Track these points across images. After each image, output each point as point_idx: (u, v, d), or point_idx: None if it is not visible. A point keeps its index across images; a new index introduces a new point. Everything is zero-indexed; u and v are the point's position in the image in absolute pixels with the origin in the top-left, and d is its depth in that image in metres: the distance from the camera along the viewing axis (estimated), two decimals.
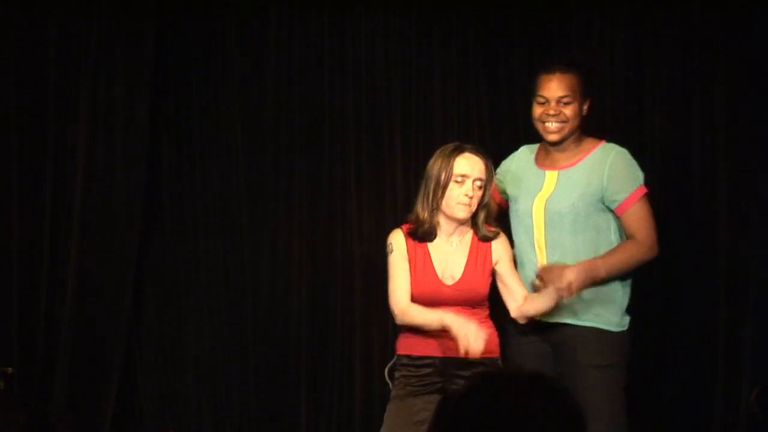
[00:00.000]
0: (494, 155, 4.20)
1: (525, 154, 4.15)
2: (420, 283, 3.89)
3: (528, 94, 4.07)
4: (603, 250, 3.91)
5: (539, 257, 3.95)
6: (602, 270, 3.85)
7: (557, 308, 3.85)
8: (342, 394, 5.21)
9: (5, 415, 4.72)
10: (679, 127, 4.84)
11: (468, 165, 3.87)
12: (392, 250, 3.92)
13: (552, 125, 3.94)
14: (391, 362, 4.00)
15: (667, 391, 4.77)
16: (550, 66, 3.97)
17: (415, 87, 5.19)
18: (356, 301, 5.20)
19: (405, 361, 3.94)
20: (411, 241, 3.92)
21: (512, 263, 3.97)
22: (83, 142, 5.08)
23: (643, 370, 4.70)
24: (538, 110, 3.97)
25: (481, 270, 3.91)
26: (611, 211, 3.95)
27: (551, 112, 3.93)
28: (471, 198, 3.85)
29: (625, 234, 3.95)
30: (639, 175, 3.96)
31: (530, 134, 4.17)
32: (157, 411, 5.30)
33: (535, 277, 3.88)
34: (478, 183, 3.86)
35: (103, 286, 5.12)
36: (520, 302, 3.90)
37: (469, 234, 3.94)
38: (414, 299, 3.89)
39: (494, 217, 4.06)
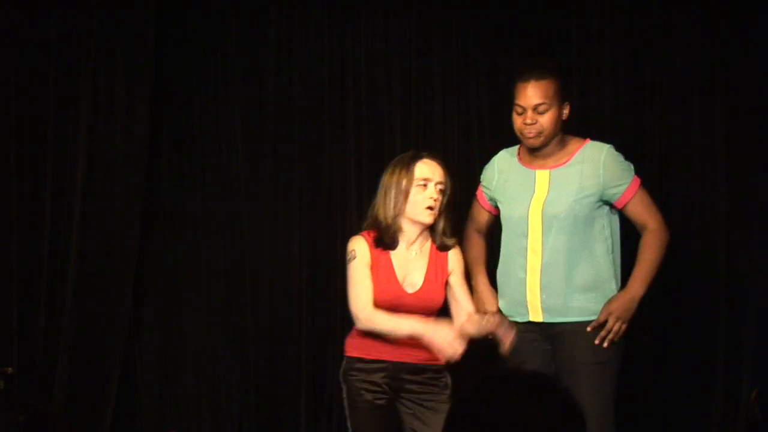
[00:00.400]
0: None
1: (505, 158, 4.15)
2: (382, 290, 3.92)
3: None
4: (598, 251, 3.93)
5: (533, 261, 3.95)
6: (641, 290, 3.91)
7: (554, 307, 3.88)
8: (342, 394, 5.20)
9: (5, 415, 4.70)
10: (678, 127, 4.84)
11: (429, 169, 3.93)
12: (355, 257, 3.94)
13: (530, 134, 3.95)
14: (343, 365, 4.01)
15: (667, 392, 4.76)
16: (524, 73, 3.97)
17: (415, 87, 5.19)
18: None
19: (358, 365, 3.95)
20: (374, 249, 3.95)
21: (464, 276, 4.03)
22: (83, 142, 5.09)
23: (642, 370, 4.71)
24: (517, 120, 3.98)
25: (441, 279, 3.97)
26: (610, 207, 3.96)
27: (528, 121, 3.93)
28: (436, 201, 3.90)
29: (636, 226, 3.97)
30: (631, 167, 4.00)
31: None
32: (157, 411, 5.30)
33: (518, 286, 3.93)
34: (439, 186, 3.92)
35: (103, 286, 5.13)
36: (463, 318, 3.93)
37: (428, 243, 3.99)
38: (375, 306, 3.91)
39: (488, 226, 4.16)
